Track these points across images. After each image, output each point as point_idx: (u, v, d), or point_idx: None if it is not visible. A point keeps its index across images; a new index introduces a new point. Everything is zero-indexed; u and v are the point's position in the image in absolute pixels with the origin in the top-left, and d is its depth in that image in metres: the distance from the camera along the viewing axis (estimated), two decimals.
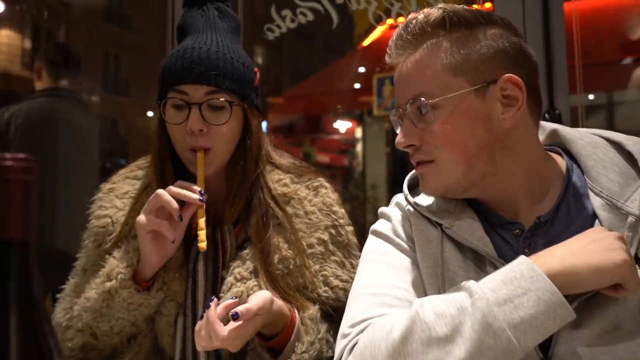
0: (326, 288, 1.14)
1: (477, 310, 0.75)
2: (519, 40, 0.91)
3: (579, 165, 0.93)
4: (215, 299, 0.97)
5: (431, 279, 0.91)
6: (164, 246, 1.07)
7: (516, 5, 1.92)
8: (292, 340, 1.04)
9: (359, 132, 6.93)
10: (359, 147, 6.91)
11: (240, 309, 0.93)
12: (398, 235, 0.98)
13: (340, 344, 0.88)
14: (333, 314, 1.14)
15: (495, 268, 0.82)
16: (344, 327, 0.90)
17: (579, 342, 0.81)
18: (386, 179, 6.17)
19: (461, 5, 0.93)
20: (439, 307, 0.78)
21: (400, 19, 2.11)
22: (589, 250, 0.77)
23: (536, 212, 0.90)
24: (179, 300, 1.12)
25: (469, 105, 0.87)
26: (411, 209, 0.97)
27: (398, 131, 0.94)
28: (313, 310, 1.09)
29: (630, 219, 0.83)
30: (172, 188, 1.06)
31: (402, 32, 0.91)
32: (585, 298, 0.81)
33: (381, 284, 0.92)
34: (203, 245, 1.04)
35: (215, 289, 1.13)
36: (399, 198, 1.03)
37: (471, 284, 0.79)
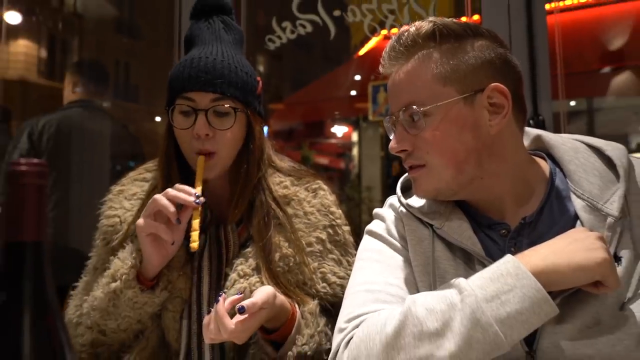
0: (324, 284, 1.14)
1: (466, 306, 0.75)
2: (504, 51, 0.91)
3: (561, 169, 0.93)
4: (224, 294, 0.97)
5: (423, 277, 0.91)
6: (164, 247, 1.06)
7: (502, 18, 1.92)
8: (293, 333, 1.04)
9: (355, 137, 6.93)
10: (355, 151, 6.91)
11: (246, 302, 0.93)
12: (392, 235, 0.98)
13: (336, 338, 0.88)
14: (331, 308, 1.13)
15: (484, 266, 0.82)
16: (340, 322, 0.89)
17: (562, 336, 0.81)
18: (381, 181, 6.18)
19: (450, 18, 0.93)
20: (430, 303, 0.78)
21: (394, 31, 2.11)
22: (571, 249, 0.77)
23: (521, 214, 0.90)
24: (184, 296, 1.12)
25: (458, 113, 0.87)
26: (404, 210, 0.97)
27: (391, 137, 0.93)
28: (312, 304, 1.09)
29: (610, 219, 0.83)
30: (170, 191, 1.04)
31: (395, 43, 0.91)
32: (568, 295, 0.81)
33: (376, 281, 0.92)
34: (195, 245, 1.01)
35: (219, 285, 1.13)
36: (392, 200, 1.03)
37: (460, 281, 0.79)
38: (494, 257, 0.83)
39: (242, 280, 1.10)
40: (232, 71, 1.12)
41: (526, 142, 0.98)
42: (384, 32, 2.16)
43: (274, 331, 1.04)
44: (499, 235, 0.90)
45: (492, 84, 0.87)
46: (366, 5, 2.14)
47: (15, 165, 0.49)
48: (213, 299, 1.11)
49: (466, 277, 0.80)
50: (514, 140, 0.91)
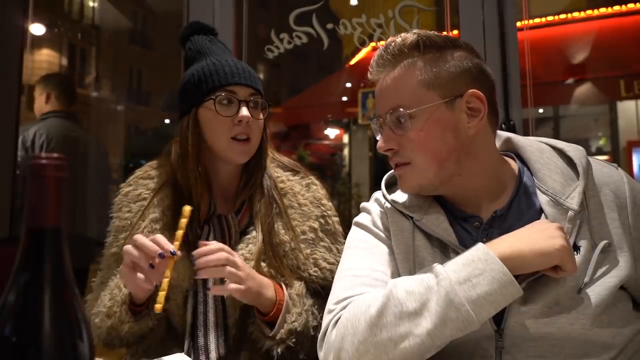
0: (316, 269, 1.14)
1: (441, 288, 0.76)
2: (480, 61, 0.91)
3: (528, 168, 0.93)
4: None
5: (404, 263, 0.91)
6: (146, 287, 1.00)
7: (478, 34, 1.93)
8: (283, 313, 1.05)
9: (345, 138, 6.94)
10: (345, 151, 6.91)
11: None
12: (376, 226, 0.98)
13: (326, 319, 0.88)
14: (321, 290, 1.14)
15: (457, 254, 0.82)
16: (329, 304, 0.89)
17: (527, 316, 0.81)
18: (369, 178, 6.19)
19: (432, 31, 0.93)
20: (410, 286, 0.78)
21: (381, 43, 2.11)
22: (534, 237, 0.78)
23: (493, 208, 0.91)
24: (184, 285, 1.10)
25: (440, 116, 0.87)
26: (388, 204, 0.97)
27: (378, 137, 0.93)
28: (298, 286, 1.10)
29: (570, 213, 0.84)
30: (141, 241, 0.95)
31: (383, 52, 0.91)
32: (532, 279, 0.81)
33: (362, 267, 0.92)
34: (159, 307, 0.92)
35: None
36: (377, 195, 1.03)
37: (437, 266, 0.79)
38: (467, 246, 0.83)
39: None
40: (254, 74, 1.18)
41: (498, 144, 0.99)
42: (373, 44, 2.16)
43: (268, 314, 1.06)
44: (472, 227, 0.91)
45: (470, 90, 0.87)
46: (356, 19, 2.14)
47: (37, 159, 0.49)
48: (217, 283, 1.11)
49: (442, 264, 0.80)
50: (488, 141, 0.92)
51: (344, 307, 0.85)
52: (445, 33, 2.05)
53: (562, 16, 4.45)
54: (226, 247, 1.02)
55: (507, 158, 0.96)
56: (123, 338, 1.08)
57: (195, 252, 0.98)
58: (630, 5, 4.39)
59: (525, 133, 1.94)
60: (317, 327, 1.08)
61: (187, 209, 0.99)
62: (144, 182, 1.21)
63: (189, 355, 1.08)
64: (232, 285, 0.98)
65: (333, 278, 1.03)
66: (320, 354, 0.85)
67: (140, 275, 0.95)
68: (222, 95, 1.12)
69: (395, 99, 0.88)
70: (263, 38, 2.24)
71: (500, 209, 0.90)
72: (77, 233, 2.51)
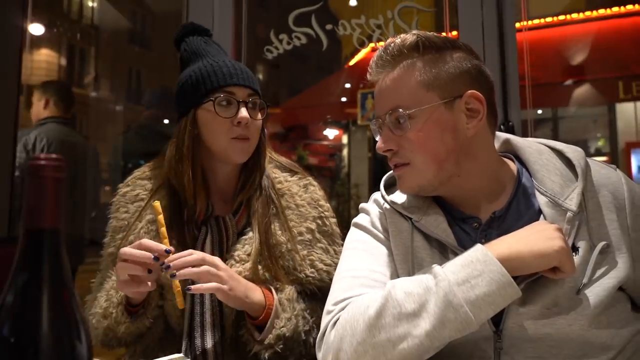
0: (312, 270, 1.14)
1: (440, 289, 0.75)
2: (479, 62, 0.91)
3: (527, 169, 0.93)
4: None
5: (402, 264, 0.91)
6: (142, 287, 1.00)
7: (477, 35, 1.93)
8: (272, 318, 1.05)
9: (345, 139, 6.94)
10: (344, 152, 6.92)
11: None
12: (375, 227, 0.98)
13: (324, 320, 0.88)
14: (317, 292, 1.14)
15: (456, 255, 0.82)
16: (328, 305, 0.89)
17: (525, 317, 0.81)
18: (368, 178, 6.19)
19: (432, 32, 0.93)
20: (408, 287, 0.78)
21: (380, 44, 2.11)
22: (533, 239, 0.78)
23: (492, 208, 0.91)
24: (183, 287, 1.11)
25: (439, 116, 0.87)
26: (387, 205, 0.97)
27: (377, 138, 0.93)
28: (289, 291, 1.09)
29: (569, 214, 0.84)
30: (130, 253, 0.96)
31: (382, 53, 0.91)
32: (531, 280, 0.81)
33: (360, 268, 0.92)
34: (182, 303, 0.96)
35: None
36: (376, 196, 1.03)
37: (436, 267, 0.79)
38: (466, 247, 0.83)
39: (238, 265, 1.10)
40: (251, 75, 1.17)
41: (497, 145, 0.99)
42: (372, 44, 2.16)
43: (257, 318, 1.06)
44: (471, 228, 0.91)
45: (469, 91, 0.87)
46: (355, 20, 2.14)
47: (35, 160, 0.49)
48: None
49: (441, 264, 0.80)
50: (487, 142, 0.92)
51: (343, 308, 0.85)
52: (444, 34, 2.06)
53: (561, 17, 4.45)
54: (200, 252, 1.01)
55: (506, 159, 0.96)
56: (120, 338, 1.08)
57: (167, 259, 0.96)
58: (629, 7, 4.40)
59: (524, 134, 1.94)
60: (309, 331, 1.08)
61: (156, 204, 1.00)
62: (141, 182, 1.21)
63: (187, 356, 1.08)
64: (212, 284, 0.97)
65: (330, 279, 1.04)
66: (319, 355, 0.85)
67: (142, 283, 0.97)
68: (221, 96, 1.11)
69: (395, 99, 0.88)
70: (262, 38, 2.24)
71: (499, 210, 0.90)
72: (67, 233, 2.56)
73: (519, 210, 0.89)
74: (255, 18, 2.41)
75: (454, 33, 2.02)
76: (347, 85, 4.64)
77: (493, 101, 0.93)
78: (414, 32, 0.91)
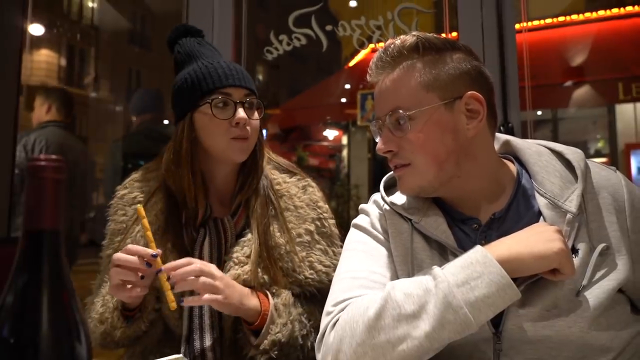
0: (311, 271, 1.14)
1: (439, 291, 0.75)
2: (479, 64, 0.91)
3: (527, 171, 0.93)
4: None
5: (402, 266, 0.91)
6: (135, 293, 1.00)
7: (477, 36, 1.93)
8: (267, 324, 1.05)
9: (344, 140, 6.94)
10: (344, 153, 6.92)
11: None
12: (375, 228, 0.98)
13: (324, 321, 0.87)
14: (317, 293, 1.14)
15: (456, 256, 0.82)
16: (328, 306, 0.89)
17: (525, 319, 0.81)
18: (368, 179, 6.19)
19: (431, 34, 0.93)
20: (408, 288, 0.78)
21: (380, 45, 2.11)
22: (532, 240, 0.78)
23: (492, 210, 0.90)
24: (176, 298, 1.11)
25: (439, 117, 0.87)
26: (386, 206, 0.97)
27: (377, 139, 0.93)
28: (285, 295, 1.09)
29: (569, 216, 0.84)
30: (123, 258, 0.96)
31: (382, 54, 0.91)
32: (531, 282, 0.81)
33: (360, 269, 0.92)
34: (174, 304, 0.94)
35: None
36: (376, 197, 1.03)
37: (435, 269, 0.79)
38: (466, 248, 0.83)
39: (236, 267, 1.10)
40: (247, 75, 1.17)
41: (496, 146, 0.99)
42: (372, 45, 2.17)
43: (253, 323, 1.06)
44: (471, 229, 0.91)
45: (469, 92, 0.87)
46: (355, 21, 2.14)
47: (35, 160, 0.49)
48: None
49: (440, 266, 0.80)
50: (486, 143, 0.92)
51: (342, 309, 0.85)
52: (444, 35, 2.06)
53: (561, 19, 4.46)
54: (196, 259, 1.01)
55: (505, 161, 0.96)
56: (118, 342, 1.09)
57: (165, 267, 0.96)
58: (629, 8, 4.40)
59: (524, 135, 1.94)
60: (307, 336, 1.08)
61: (139, 208, 0.99)
62: (139, 185, 1.21)
63: (186, 357, 1.08)
64: (207, 296, 0.97)
65: (329, 281, 1.03)
66: (318, 356, 0.85)
67: (134, 288, 0.97)
68: (218, 98, 1.11)
69: (395, 100, 0.88)
70: (262, 39, 2.24)
71: (498, 212, 0.90)
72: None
73: (519, 211, 0.89)
74: (255, 19, 2.41)
75: (454, 34, 2.02)
76: (347, 86, 4.64)
77: (493, 102, 0.93)
78: (413, 33, 0.91)
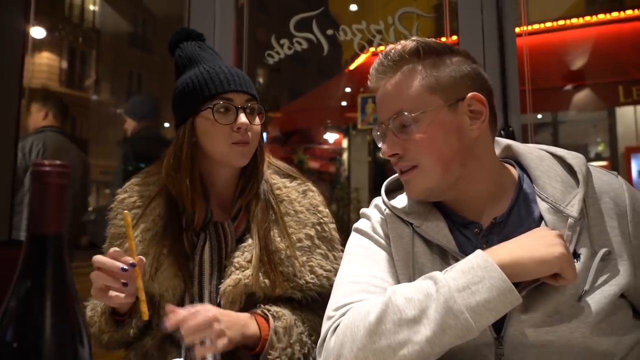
0: (312, 276, 1.13)
1: (440, 295, 0.75)
2: (477, 66, 0.92)
3: (528, 175, 0.93)
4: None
5: (403, 270, 0.91)
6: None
7: (477, 40, 1.94)
8: (266, 349, 1.04)
9: (345, 143, 6.94)
10: (345, 156, 6.92)
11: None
12: (376, 233, 0.98)
13: (325, 325, 0.87)
14: (318, 298, 1.14)
15: (457, 261, 0.82)
16: (329, 311, 0.89)
17: (527, 324, 0.81)
18: (368, 183, 6.19)
19: (430, 38, 0.94)
20: (409, 293, 0.78)
21: (381, 48, 2.12)
22: (534, 245, 0.78)
23: (493, 214, 0.90)
24: (169, 295, 1.10)
25: (443, 119, 0.87)
26: (388, 210, 0.97)
27: (380, 145, 0.93)
28: (287, 318, 1.07)
29: (570, 220, 0.84)
30: (102, 261, 0.95)
31: (383, 59, 0.91)
32: (532, 287, 0.81)
33: (361, 273, 0.92)
34: (145, 315, 0.92)
35: (219, 277, 1.12)
36: (377, 201, 1.03)
37: (436, 273, 0.79)
38: (467, 253, 0.83)
39: (237, 271, 1.10)
40: (248, 80, 1.17)
41: (497, 151, 0.99)
42: (372, 49, 2.17)
43: (254, 347, 1.05)
44: (472, 234, 0.91)
45: (471, 93, 0.88)
46: (356, 25, 2.15)
47: (40, 166, 0.49)
48: (214, 290, 1.11)
49: (442, 270, 0.80)
50: (489, 145, 0.93)
51: (343, 314, 0.85)
52: (444, 39, 2.07)
53: (561, 22, 4.46)
54: (197, 306, 0.97)
55: (507, 165, 0.96)
56: (106, 345, 1.09)
57: (170, 324, 0.92)
58: (629, 12, 4.41)
59: (524, 139, 1.95)
60: (308, 353, 1.08)
61: (125, 214, 0.96)
62: (139, 189, 1.20)
63: None
64: (220, 343, 0.95)
65: (330, 285, 1.03)
66: None
67: (115, 293, 0.96)
68: (220, 103, 1.11)
69: (398, 103, 0.89)
70: (263, 43, 2.25)
71: (500, 216, 0.90)
72: None
73: (520, 216, 0.89)
74: (256, 22, 2.42)
75: (454, 38, 2.02)
76: (348, 90, 4.64)
77: (492, 104, 0.93)
78: (413, 38, 0.92)
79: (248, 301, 1.11)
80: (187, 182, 1.12)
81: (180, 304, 1.11)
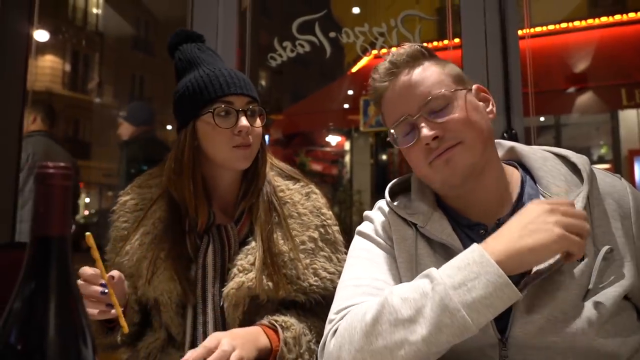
0: (316, 278, 1.13)
1: (436, 294, 0.74)
2: None
3: (531, 177, 0.94)
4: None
5: (407, 272, 0.91)
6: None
7: (480, 42, 1.94)
8: None
9: (347, 145, 6.94)
10: (347, 158, 6.91)
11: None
12: (379, 235, 0.98)
13: (326, 329, 0.88)
14: (322, 300, 1.14)
15: None
16: (330, 314, 0.89)
17: (531, 325, 0.81)
18: (370, 185, 6.18)
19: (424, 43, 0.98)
20: (405, 293, 0.78)
21: (383, 51, 2.12)
22: (527, 232, 0.75)
23: (497, 216, 0.90)
24: (173, 297, 1.10)
25: (471, 100, 0.91)
26: (391, 212, 0.97)
27: (399, 145, 0.92)
28: (295, 328, 1.07)
29: None
30: (85, 274, 0.96)
31: (393, 59, 0.93)
32: (537, 288, 0.81)
33: (363, 276, 0.92)
34: (125, 328, 0.91)
35: (222, 279, 1.12)
36: (381, 203, 1.03)
37: (432, 271, 0.78)
38: None
39: (240, 274, 1.10)
40: (248, 82, 1.17)
41: (501, 153, 0.99)
42: (375, 52, 2.18)
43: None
44: (477, 235, 0.91)
45: (476, 85, 0.94)
46: (359, 28, 2.15)
47: (44, 167, 0.49)
48: (217, 293, 1.11)
49: None
50: (494, 145, 0.96)
51: (343, 317, 0.85)
52: (447, 41, 2.07)
53: (564, 25, 4.46)
54: (208, 340, 0.96)
55: (510, 167, 0.96)
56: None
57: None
58: (632, 15, 4.40)
59: (527, 141, 1.94)
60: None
61: (87, 235, 0.90)
62: (141, 191, 1.21)
63: None
64: None
65: (333, 287, 1.03)
66: None
67: (92, 309, 0.95)
68: (221, 107, 1.11)
69: (427, 88, 0.90)
70: (266, 46, 2.25)
71: (503, 217, 0.89)
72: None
73: None
74: (259, 25, 2.43)
75: (457, 40, 2.02)
76: (350, 92, 4.65)
77: None
78: (405, 44, 0.96)
79: (251, 304, 1.11)
80: (189, 185, 1.12)
81: (180, 307, 1.12)
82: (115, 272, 0.99)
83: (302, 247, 1.14)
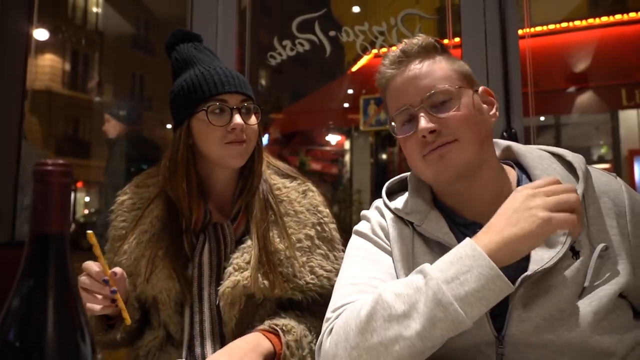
0: (313, 276, 1.13)
1: (429, 289, 0.75)
2: None
3: (527, 176, 0.94)
4: None
5: (403, 271, 0.91)
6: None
7: (480, 42, 1.94)
8: None
9: (347, 145, 6.94)
10: (347, 157, 6.91)
11: None
12: (376, 234, 0.98)
13: (323, 327, 0.88)
14: (319, 298, 1.14)
15: None
16: (327, 313, 0.90)
17: (528, 323, 0.81)
18: (370, 184, 6.18)
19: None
20: (399, 289, 0.78)
21: (383, 50, 2.12)
22: (512, 222, 0.75)
23: (493, 214, 0.90)
24: (172, 295, 1.10)
25: (474, 100, 0.91)
26: (388, 211, 0.97)
27: (396, 133, 0.93)
28: (296, 330, 1.07)
29: None
30: (84, 281, 0.98)
31: (405, 48, 0.93)
32: (533, 286, 0.81)
33: (360, 275, 0.92)
34: (128, 321, 0.96)
35: (218, 278, 1.12)
36: (377, 203, 1.04)
37: (426, 266, 0.78)
38: None
39: (236, 273, 1.10)
40: (243, 80, 1.17)
41: (497, 152, 0.99)
42: (375, 51, 2.18)
43: None
44: (473, 234, 0.89)
45: (482, 87, 0.94)
46: (358, 27, 2.16)
47: (42, 165, 0.49)
48: (213, 292, 1.11)
49: None
50: (493, 145, 0.96)
51: (339, 315, 0.85)
52: (447, 41, 2.07)
53: (564, 24, 4.46)
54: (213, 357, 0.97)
55: (506, 166, 0.97)
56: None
57: None
58: (632, 14, 4.40)
59: (527, 141, 1.95)
60: None
61: (88, 234, 0.94)
62: (139, 190, 1.21)
63: None
64: None
65: (330, 285, 1.03)
66: None
67: (95, 304, 0.97)
68: (215, 105, 1.11)
69: (433, 81, 0.90)
70: (265, 45, 2.26)
71: None
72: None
73: None
74: (259, 24, 2.43)
75: (457, 40, 2.03)
76: (350, 91, 4.65)
77: None
78: (421, 35, 0.96)
79: (248, 303, 1.11)
80: (183, 184, 1.13)
81: (179, 305, 1.12)
82: (117, 269, 1.00)
83: (298, 245, 1.15)
